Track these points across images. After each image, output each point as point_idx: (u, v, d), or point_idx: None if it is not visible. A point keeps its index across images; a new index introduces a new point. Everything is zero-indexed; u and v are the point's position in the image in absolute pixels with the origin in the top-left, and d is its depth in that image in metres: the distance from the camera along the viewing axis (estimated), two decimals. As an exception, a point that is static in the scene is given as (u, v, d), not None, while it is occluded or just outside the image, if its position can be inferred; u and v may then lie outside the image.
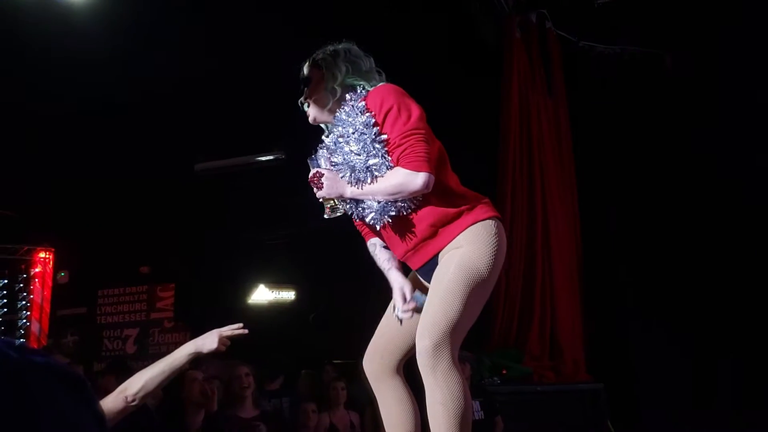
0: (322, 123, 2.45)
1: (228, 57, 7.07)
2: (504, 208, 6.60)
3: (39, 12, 5.98)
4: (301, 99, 2.47)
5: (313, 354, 8.25)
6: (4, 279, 10.72)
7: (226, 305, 10.46)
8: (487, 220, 2.23)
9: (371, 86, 2.33)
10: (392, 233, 2.32)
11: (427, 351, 2.08)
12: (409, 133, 2.18)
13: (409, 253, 2.32)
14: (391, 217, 2.24)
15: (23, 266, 10.80)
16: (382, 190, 2.20)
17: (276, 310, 10.82)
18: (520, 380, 6.02)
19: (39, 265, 10.85)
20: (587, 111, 7.17)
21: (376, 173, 2.20)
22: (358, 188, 2.24)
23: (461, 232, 2.20)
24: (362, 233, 2.57)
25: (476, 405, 5.28)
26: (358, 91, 2.31)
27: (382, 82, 2.38)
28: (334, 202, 2.34)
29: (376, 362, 2.38)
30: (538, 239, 6.67)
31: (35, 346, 10.16)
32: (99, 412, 0.71)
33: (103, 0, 6.08)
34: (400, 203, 2.22)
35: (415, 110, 2.24)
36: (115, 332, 10.64)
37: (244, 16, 6.52)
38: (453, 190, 2.28)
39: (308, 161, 2.38)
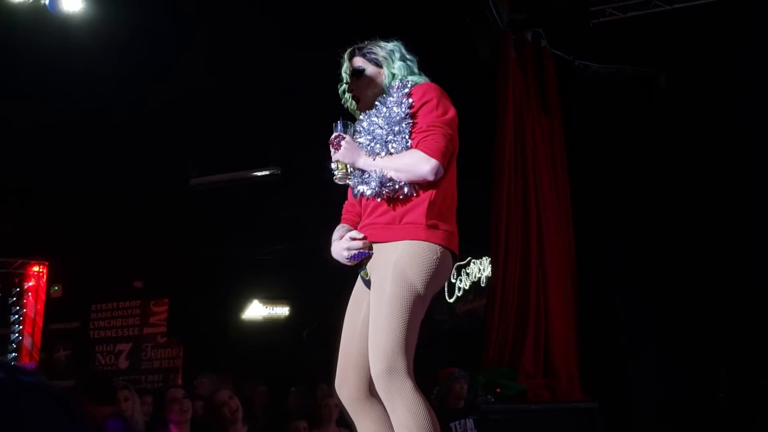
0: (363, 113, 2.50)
1: (223, 73, 7.10)
2: (498, 226, 6.61)
3: (36, 26, 6.01)
4: (348, 88, 2.54)
5: (307, 370, 8.22)
6: (-3, 293, 10.67)
7: (220, 320, 10.44)
8: (437, 246, 2.24)
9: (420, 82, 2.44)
10: (374, 202, 2.35)
11: (381, 375, 2.09)
12: (437, 124, 2.28)
13: (365, 227, 2.37)
14: (387, 193, 2.28)
15: (17, 280, 10.75)
16: (392, 165, 2.27)
17: (270, 325, 10.79)
18: (514, 398, 6.00)
19: (32, 279, 10.81)
20: (582, 130, 7.20)
21: (392, 150, 2.29)
22: (371, 159, 2.31)
23: (407, 240, 2.23)
24: (342, 216, 2.59)
25: (470, 423, 5.27)
26: (406, 83, 2.41)
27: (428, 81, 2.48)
28: (347, 168, 2.40)
29: (350, 385, 2.34)
30: (532, 257, 6.67)
31: (27, 361, 10.09)
32: (85, 429, 0.71)
33: (101, 16, 6.11)
34: (399, 184, 2.27)
35: (451, 111, 2.35)
36: (108, 347, 10.60)
37: (241, 33, 6.56)
38: (439, 198, 2.30)
39: (333, 124, 2.43)
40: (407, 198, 2.28)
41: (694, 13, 6.58)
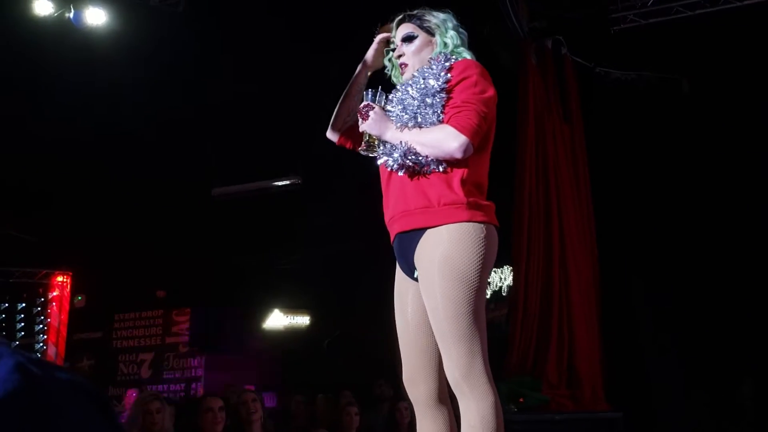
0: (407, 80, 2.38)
1: (245, 84, 7.16)
2: (521, 232, 6.57)
3: (60, 39, 6.09)
4: (395, 55, 2.42)
5: (329, 379, 8.22)
6: (22, 303, 10.80)
7: (241, 330, 10.47)
8: (479, 224, 2.14)
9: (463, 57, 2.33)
10: (400, 187, 2.24)
11: (459, 382, 2.06)
12: (472, 101, 2.17)
13: (396, 217, 2.25)
14: (407, 166, 2.17)
15: (41, 290, 10.88)
16: (420, 140, 2.16)
17: (291, 335, 10.81)
18: (537, 409, 5.94)
19: (57, 289, 10.94)
20: (603, 136, 7.15)
21: (421, 122, 2.17)
22: (399, 131, 2.20)
23: (449, 223, 2.12)
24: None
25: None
26: (449, 57, 2.31)
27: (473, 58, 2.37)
28: (374, 139, 2.29)
29: (420, 391, 2.27)
30: (554, 265, 6.61)
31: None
32: (120, 428, 0.71)
33: (124, 29, 6.19)
34: (422, 157, 2.15)
35: (490, 91, 2.24)
36: (131, 356, 10.67)
37: (261, 45, 6.61)
38: (471, 177, 2.20)
39: (364, 92, 2.35)
40: (437, 178, 2.16)
41: (716, 18, 6.52)
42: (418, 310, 2.26)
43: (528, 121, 6.72)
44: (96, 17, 6.03)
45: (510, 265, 7.88)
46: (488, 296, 9.44)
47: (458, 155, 2.12)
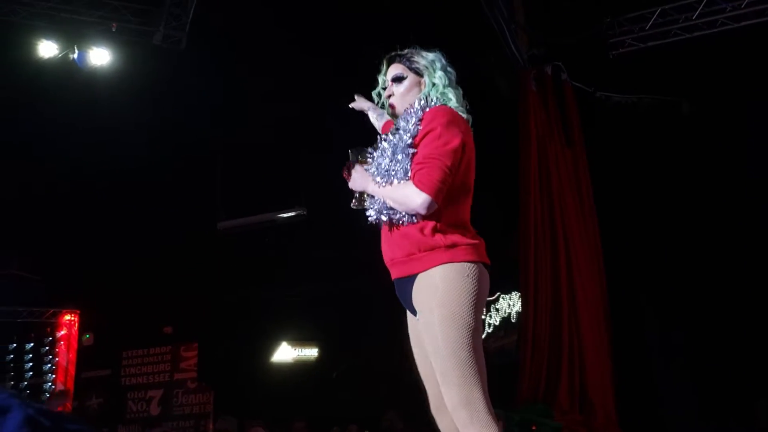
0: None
1: (248, 118, 7.21)
2: (527, 260, 6.55)
3: (65, 81, 6.17)
4: (386, 95, 2.48)
5: (337, 412, 8.16)
6: (30, 342, 10.79)
7: (250, 364, 10.40)
8: (463, 264, 2.19)
9: (444, 102, 2.36)
10: (386, 237, 2.34)
11: (460, 414, 2.11)
12: (435, 156, 2.19)
13: (389, 264, 2.35)
14: (387, 220, 2.28)
15: (49, 329, 10.87)
16: (390, 195, 2.25)
17: (300, 367, 10.73)
18: (550, 436, 5.87)
19: (64, 328, 10.92)
20: (606, 160, 7.16)
21: (393, 178, 2.24)
22: (377, 187, 2.29)
23: (435, 266, 2.20)
24: None
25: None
26: (424, 106, 2.34)
27: (457, 101, 2.39)
28: (361, 195, 2.38)
29: (449, 415, 2.25)
30: (563, 290, 6.58)
31: (60, 410, 10.13)
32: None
33: (127, 68, 6.27)
34: (393, 212, 2.25)
35: (455, 141, 2.22)
36: (140, 394, 10.60)
37: (264, 80, 6.66)
38: (448, 221, 2.25)
39: (349, 151, 2.41)
40: (413, 228, 2.24)
41: (713, 40, 6.57)
42: (430, 342, 2.29)
43: (530, 147, 6.74)
44: (100, 57, 6.12)
45: (518, 291, 7.85)
46: (498, 323, 9.39)
47: (422, 212, 2.19)
